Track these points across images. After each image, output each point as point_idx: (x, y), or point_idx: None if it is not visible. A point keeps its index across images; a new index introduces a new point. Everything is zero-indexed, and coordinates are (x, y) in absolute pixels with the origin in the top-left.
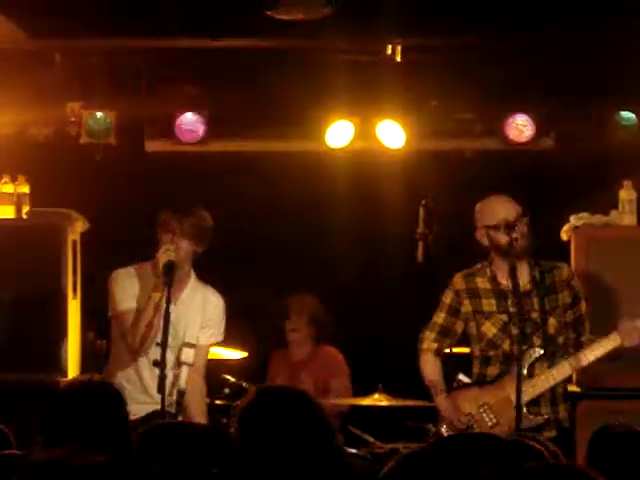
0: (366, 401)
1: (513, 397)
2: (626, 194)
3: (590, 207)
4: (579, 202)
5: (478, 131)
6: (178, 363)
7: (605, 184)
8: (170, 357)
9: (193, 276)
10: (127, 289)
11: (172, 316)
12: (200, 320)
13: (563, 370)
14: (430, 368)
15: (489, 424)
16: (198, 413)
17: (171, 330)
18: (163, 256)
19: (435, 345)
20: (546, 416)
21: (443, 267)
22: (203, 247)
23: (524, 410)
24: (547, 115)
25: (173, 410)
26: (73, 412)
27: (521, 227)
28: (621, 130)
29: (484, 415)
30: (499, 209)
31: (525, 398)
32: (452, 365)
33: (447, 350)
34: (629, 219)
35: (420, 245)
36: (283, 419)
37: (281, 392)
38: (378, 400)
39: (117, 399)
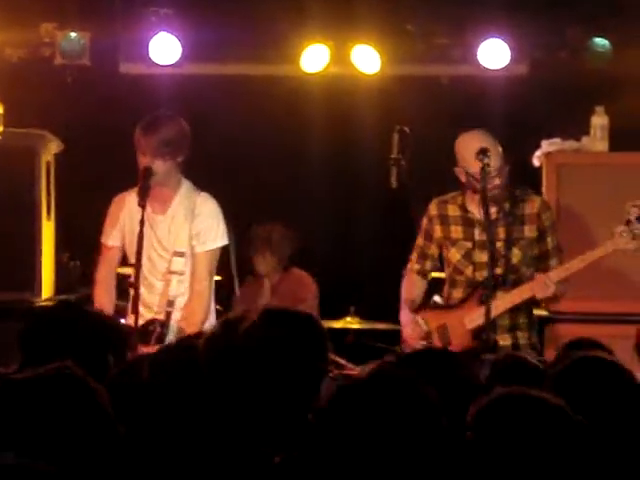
0: (338, 324)
1: (467, 320)
2: (598, 120)
3: (562, 133)
4: (552, 128)
5: (454, 57)
6: (169, 272)
7: (578, 110)
8: (159, 269)
9: (185, 185)
10: (115, 223)
11: (161, 227)
12: (189, 227)
13: (520, 293)
14: (407, 287)
15: (442, 344)
16: (193, 322)
17: (162, 242)
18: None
19: (417, 266)
20: (500, 342)
21: (416, 193)
22: (183, 156)
23: (474, 335)
24: (522, 41)
25: (162, 317)
26: (56, 331)
27: (501, 176)
28: (595, 56)
29: (440, 335)
30: (480, 150)
31: (480, 321)
32: (431, 287)
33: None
34: (601, 145)
35: (394, 171)
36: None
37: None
38: (350, 323)
39: (98, 321)
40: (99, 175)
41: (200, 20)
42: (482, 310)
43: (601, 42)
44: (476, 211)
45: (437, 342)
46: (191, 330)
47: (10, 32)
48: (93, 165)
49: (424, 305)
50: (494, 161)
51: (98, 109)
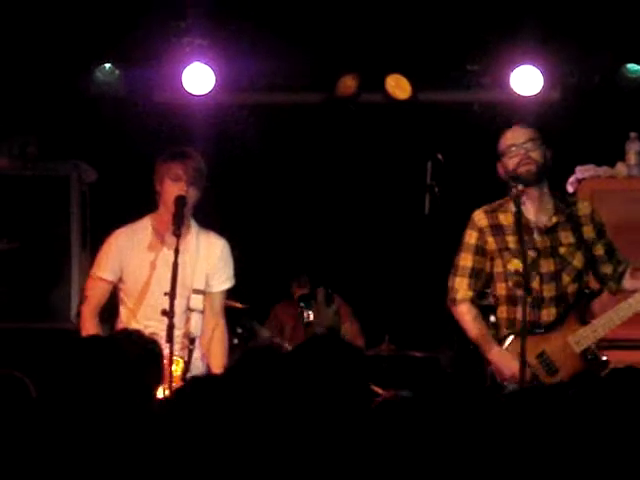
0: (373, 352)
1: (573, 342)
2: (632, 145)
3: (596, 159)
4: (585, 154)
5: (486, 83)
6: (188, 310)
7: (611, 136)
8: (178, 306)
9: (194, 224)
10: (114, 258)
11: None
12: (206, 266)
13: (626, 310)
14: (473, 321)
15: (547, 374)
16: (219, 356)
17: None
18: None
19: (471, 293)
20: (605, 358)
21: (450, 219)
22: (202, 191)
23: (586, 355)
24: (554, 67)
25: (185, 357)
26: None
27: (528, 150)
28: (628, 82)
29: (543, 365)
30: (507, 135)
31: (586, 343)
32: None
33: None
34: (635, 170)
35: (427, 197)
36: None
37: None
38: (385, 351)
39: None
40: (134, 205)
41: (233, 50)
42: (587, 328)
43: (634, 67)
44: (531, 215)
45: (541, 373)
46: (219, 362)
47: (45, 62)
48: (128, 195)
49: (506, 335)
50: (518, 138)
51: (132, 139)
